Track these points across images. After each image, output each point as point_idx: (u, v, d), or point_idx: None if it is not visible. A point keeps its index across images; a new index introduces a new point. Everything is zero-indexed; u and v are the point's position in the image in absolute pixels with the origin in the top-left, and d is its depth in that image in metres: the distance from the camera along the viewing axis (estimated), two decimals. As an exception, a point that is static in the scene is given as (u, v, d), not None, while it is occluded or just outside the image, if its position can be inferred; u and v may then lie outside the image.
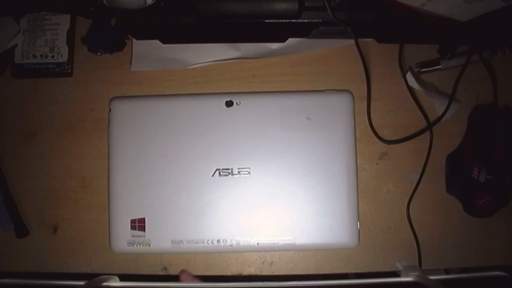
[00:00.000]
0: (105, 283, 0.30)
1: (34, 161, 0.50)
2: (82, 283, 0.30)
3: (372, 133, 0.49)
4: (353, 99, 0.48)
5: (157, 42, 0.50)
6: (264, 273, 0.49)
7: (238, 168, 0.46)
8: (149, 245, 0.45)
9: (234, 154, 0.46)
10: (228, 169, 0.46)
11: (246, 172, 0.46)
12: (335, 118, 0.47)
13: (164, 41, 0.50)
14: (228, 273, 0.49)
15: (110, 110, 0.47)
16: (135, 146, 0.47)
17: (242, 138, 0.46)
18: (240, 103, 0.46)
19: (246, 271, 0.49)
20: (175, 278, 0.48)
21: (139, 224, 0.45)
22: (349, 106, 0.47)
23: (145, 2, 0.43)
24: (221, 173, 0.46)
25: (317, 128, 0.46)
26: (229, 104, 0.46)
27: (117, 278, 0.32)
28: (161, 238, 0.45)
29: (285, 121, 0.46)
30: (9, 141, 0.50)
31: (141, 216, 0.45)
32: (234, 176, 0.46)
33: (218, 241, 0.45)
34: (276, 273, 0.49)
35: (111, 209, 0.46)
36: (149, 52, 0.51)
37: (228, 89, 0.50)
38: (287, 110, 0.47)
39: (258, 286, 0.31)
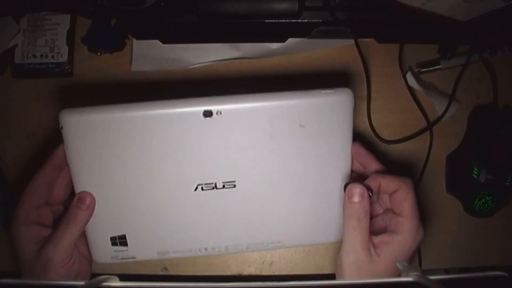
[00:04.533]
0: (105, 283, 0.30)
1: (34, 161, 0.50)
2: (82, 283, 0.30)
3: (372, 133, 0.49)
4: (353, 97, 0.40)
5: (157, 42, 0.50)
6: (264, 273, 0.49)
7: (223, 182, 0.41)
8: (134, 258, 0.43)
9: (217, 168, 0.40)
10: (211, 183, 0.41)
11: (231, 186, 0.41)
12: (332, 122, 0.40)
13: (164, 41, 0.50)
14: (228, 273, 0.49)
15: (61, 127, 0.38)
16: (101, 164, 0.39)
17: (225, 150, 0.40)
18: (220, 113, 0.39)
19: (246, 271, 0.49)
20: (175, 278, 0.49)
21: (120, 241, 0.42)
22: (349, 107, 0.40)
23: (145, 2, 0.43)
24: (204, 188, 0.41)
25: (311, 136, 0.40)
26: (207, 114, 0.39)
27: (117, 278, 0.31)
28: (146, 251, 0.43)
29: (275, 129, 0.40)
30: (9, 141, 0.50)
31: (121, 233, 0.42)
32: (219, 190, 0.41)
33: (206, 249, 0.43)
34: (276, 273, 0.49)
35: (86, 229, 0.41)
36: (149, 52, 0.51)
37: (228, 89, 0.50)
38: (277, 115, 0.40)
39: (258, 286, 0.32)
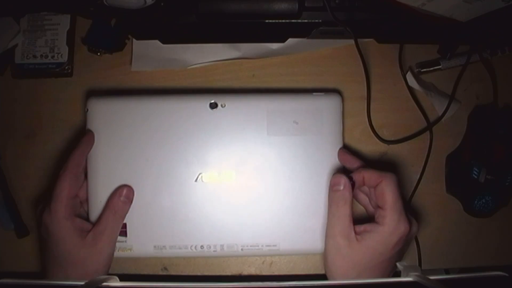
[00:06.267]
0: (105, 283, 0.30)
1: (34, 161, 0.50)
2: (82, 283, 0.30)
3: (372, 133, 0.49)
4: (342, 100, 0.45)
5: (157, 42, 0.50)
6: (264, 273, 0.49)
7: (222, 173, 0.44)
8: (130, 250, 0.44)
9: (218, 158, 0.44)
10: (212, 174, 0.44)
11: (230, 177, 0.44)
12: (323, 121, 0.44)
13: (164, 41, 0.50)
14: (228, 273, 0.49)
15: (87, 110, 0.44)
16: (114, 148, 0.44)
17: (226, 141, 0.44)
18: (224, 105, 0.44)
19: (246, 271, 0.49)
20: (175, 278, 0.49)
21: (120, 229, 0.43)
22: (337, 108, 0.45)
23: (145, 2, 0.43)
24: (204, 178, 0.44)
25: (304, 132, 0.44)
26: (213, 106, 0.44)
27: (117, 278, 0.32)
28: (143, 244, 0.44)
29: (272, 125, 0.44)
30: (9, 141, 0.50)
31: (123, 221, 0.43)
32: (218, 181, 0.44)
33: (201, 246, 0.44)
34: (276, 273, 0.49)
35: (90, 214, 0.44)
36: (149, 52, 0.51)
37: (228, 89, 0.51)
38: (274, 113, 0.44)
39: (258, 286, 0.32)
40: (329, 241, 0.41)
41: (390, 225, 0.39)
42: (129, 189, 0.43)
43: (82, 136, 0.44)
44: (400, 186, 0.40)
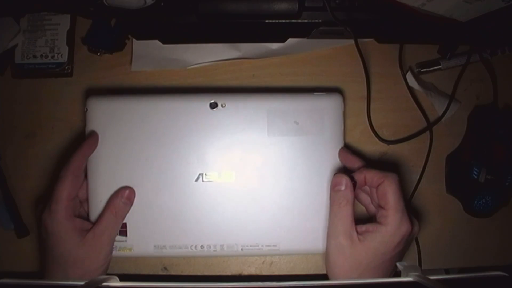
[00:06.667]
0: (105, 283, 0.30)
1: (34, 161, 0.50)
2: (82, 283, 0.30)
3: (372, 133, 0.49)
4: (344, 100, 0.45)
5: (157, 42, 0.50)
6: (264, 273, 0.49)
7: (222, 173, 0.44)
8: (130, 250, 0.44)
9: (218, 158, 0.44)
10: (212, 174, 0.44)
11: (230, 177, 0.44)
12: (324, 121, 0.44)
13: (164, 41, 0.50)
14: (228, 273, 0.49)
15: (86, 109, 0.44)
16: (114, 148, 0.44)
17: (226, 141, 0.44)
18: (224, 105, 0.44)
19: (246, 271, 0.49)
20: (175, 278, 0.49)
21: (120, 229, 0.43)
22: (338, 108, 0.44)
23: (145, 2, 0.43)
24: (205, 179, 0.44)
25: (305, 132, 0.44)
26: (213, 106, 0.44)
27: (117, 278, 0.32)
28: (144, 243, 0.44)
29: (272, 125, 0.44)
30: (9, 141, 0.50)
31: (123, 221, 0.43)
32: (218, 181, 0.44)
33: (201, 246, 0.44)
34: (276, 273, 0.49)
35: (90, 214, 0.44)
36: (149, 52, 0.51)
37: (228, 89, 0.51)
38: (274, 113, 0.44)
39: (258, 286, 0.32)
40: (331, 241, 0.41)
41: (393, 225, 0.39)
42: (131, 190, 0.43)
43: (86, 138, 0.44)
44: (402, 186, 0.40)
